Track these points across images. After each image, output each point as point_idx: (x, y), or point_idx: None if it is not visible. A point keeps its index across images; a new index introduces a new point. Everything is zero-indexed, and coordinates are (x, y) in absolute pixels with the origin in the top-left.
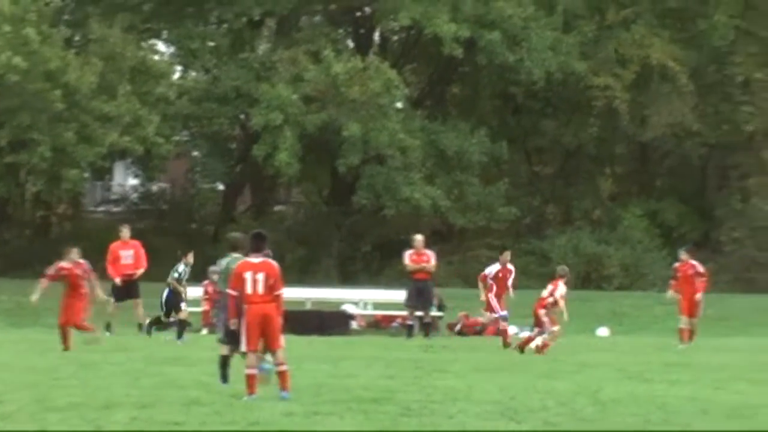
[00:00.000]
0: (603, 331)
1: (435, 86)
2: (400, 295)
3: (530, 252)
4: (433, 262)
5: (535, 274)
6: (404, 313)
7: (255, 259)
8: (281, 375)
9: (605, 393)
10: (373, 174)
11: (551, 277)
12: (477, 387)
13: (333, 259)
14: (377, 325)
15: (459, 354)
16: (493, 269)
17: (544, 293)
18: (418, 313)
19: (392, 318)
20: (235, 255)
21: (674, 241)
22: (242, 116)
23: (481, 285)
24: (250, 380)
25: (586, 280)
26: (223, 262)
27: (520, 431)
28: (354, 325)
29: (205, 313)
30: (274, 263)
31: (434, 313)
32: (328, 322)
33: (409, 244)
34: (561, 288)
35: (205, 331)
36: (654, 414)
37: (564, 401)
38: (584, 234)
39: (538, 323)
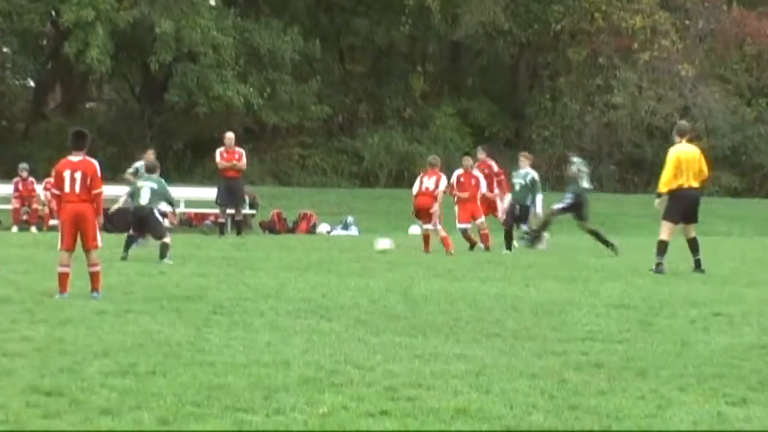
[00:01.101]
0: (415, 229)
1: None
2: (211, 193)
3: (342, 150)
4: (244, 160)
5: (347, 173)
6: (216, 211)
7: (74, 158)
8: (93, 276)
9: (416, 290)
10: (186, 71)
11: (423, 170)
12: (289, 285)
13: None
14: (189, 223)
15: (271, 252)
16: (454, 175)
17: (430, 186)
18: (230, 211)
19: (204, 216)
20: None
21: (485, 140)
22: (53, 12)
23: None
24: (62, 279)
25: (398, 178)
26: None
27: (332, 328)
28: (166, 223)
29: (15, 210)
30: (94, 162)
31: (246, 210)
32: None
33: (220, 142)
34: (444, 179)
35: (15, 229)
36: (464, 311)
37: (375, 299)
38: (396, 133)
39: (429, 219)
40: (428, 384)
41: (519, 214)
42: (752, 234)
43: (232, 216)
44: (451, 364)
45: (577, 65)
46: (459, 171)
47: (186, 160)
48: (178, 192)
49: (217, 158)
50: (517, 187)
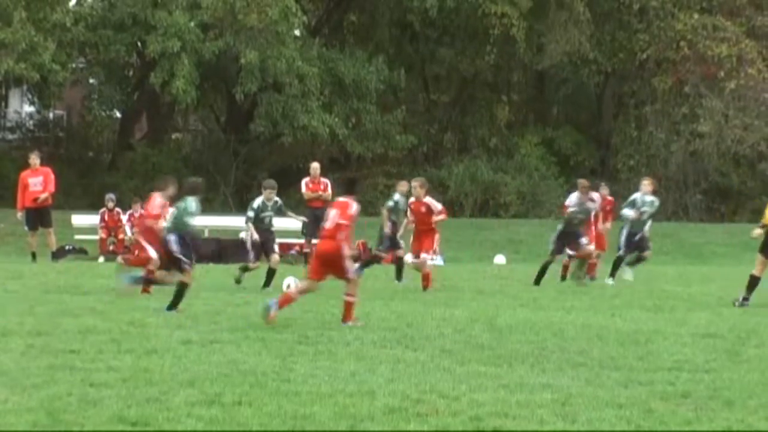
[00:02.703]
0: (500, 259)
1: (332, 14)
2: (297, 222)
3: (427, 180)
4: (329, 190)
5: None
6: (301, 241)
7: (342, 198)
8: (344, 304)
9: (501, 320)
10: (271, 101)
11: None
12: (374, 314)
13: (230, 186)
14: None
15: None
16: (572, 199)
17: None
18: (315, 241)
19: (290, 246)
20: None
21: (570, 169)
22: (138, 43)
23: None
24: (347, 307)
25: (483, 208)
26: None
27: (417, 358)
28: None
29: (102, 240)
30: (352, 204)
31: None
32: (226, 250)
33: (306, 172)
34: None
35: (101, 259)
36: (549, 340)
37: (460, 328)
38: (481, 162)
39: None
40: (514, 413)
41: (638, 242)
42: None
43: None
44: (536, 394)
45: (662, 94)
46: (576, 195)
47: None
48: None
49: (303, 188)
50: (646, 216)
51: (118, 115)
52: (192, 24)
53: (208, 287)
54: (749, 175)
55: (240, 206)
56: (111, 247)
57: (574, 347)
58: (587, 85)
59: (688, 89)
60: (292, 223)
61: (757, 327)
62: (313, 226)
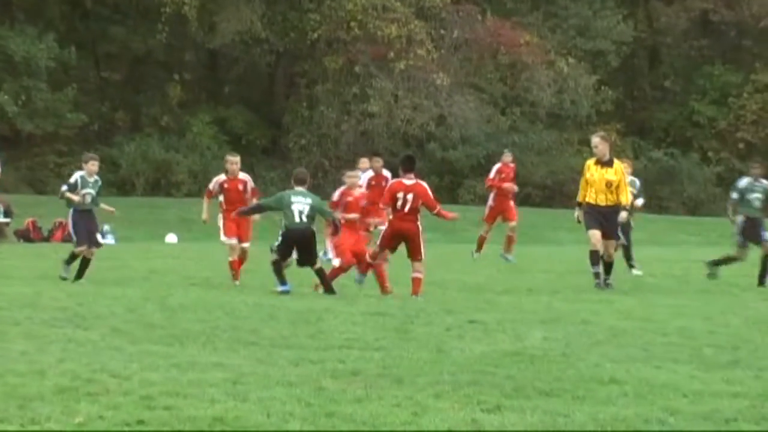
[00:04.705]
0: (171, 238)
1: None
2: None
3: (100, 159)
4: None
5: (103, 181)
6: None
7: (408, 182)
8: (413, 281)
9: (173, 299)
10: None
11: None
12: (44, 294)
13: None
14: None
15: (26, 261)
16: (364, 178)
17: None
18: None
19: None
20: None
21: (243, 148)
22: None
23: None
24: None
25: (155, 186)
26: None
27: (88, 337)
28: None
29: None
30: (424, 185)
31: (1, 219)
32: None
33: None
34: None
35: None
36: (221, 319)
37: (132, 308)
38: (153, 141)
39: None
40: (185, 393)
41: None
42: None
43: None
44: (208, 373)
45: (333, 74)
46: (369, 174)
47: None
48: None
49: None
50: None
51: None
52: None
53: None
54: (419, 155)
55: None
56: None
57: (246, 326)
58: (259, 65)
59: (359, 69)
60: None
61: (425, 305)
62: None
